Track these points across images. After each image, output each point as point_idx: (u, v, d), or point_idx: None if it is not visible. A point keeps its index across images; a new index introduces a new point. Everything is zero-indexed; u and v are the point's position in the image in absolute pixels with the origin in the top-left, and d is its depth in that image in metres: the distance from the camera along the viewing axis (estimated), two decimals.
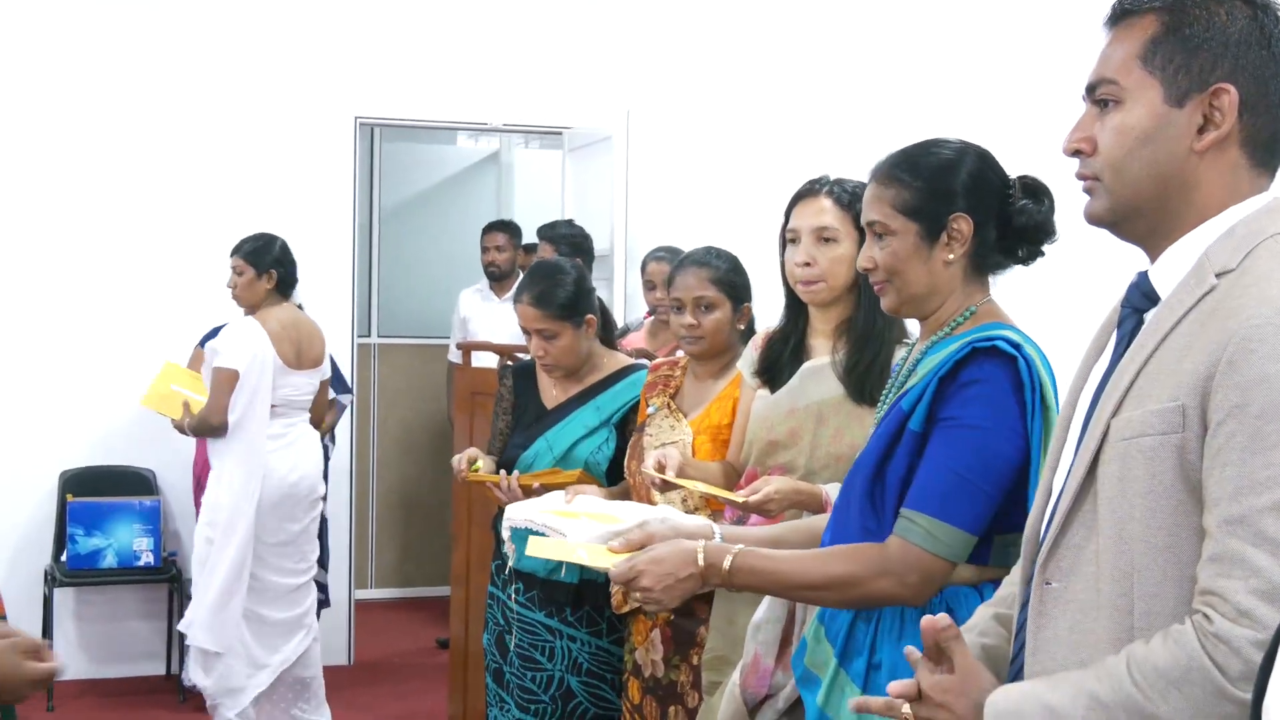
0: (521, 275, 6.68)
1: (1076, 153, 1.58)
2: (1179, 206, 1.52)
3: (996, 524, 2.03)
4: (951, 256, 2.08)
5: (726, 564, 2.09)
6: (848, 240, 2.65)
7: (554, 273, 3.44)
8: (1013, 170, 2.17)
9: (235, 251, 5.03)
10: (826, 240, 2.66)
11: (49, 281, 5.93)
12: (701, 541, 2.15)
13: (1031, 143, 3.38)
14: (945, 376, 2.01)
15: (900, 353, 2.39)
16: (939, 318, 2.12)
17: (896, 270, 2.10)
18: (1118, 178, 1.54)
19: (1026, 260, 2.15)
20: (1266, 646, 1.29)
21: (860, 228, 2.56)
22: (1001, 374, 1.99)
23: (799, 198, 2.74)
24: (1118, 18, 1.57)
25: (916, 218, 2.08)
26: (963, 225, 2.08)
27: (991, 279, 2.16)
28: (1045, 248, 2.13)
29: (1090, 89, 1.57)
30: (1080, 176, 1.59)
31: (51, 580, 5.73)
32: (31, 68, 5.98)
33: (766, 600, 2.52)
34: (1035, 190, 2.11)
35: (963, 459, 1.97)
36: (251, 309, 4.99)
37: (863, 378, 2.62)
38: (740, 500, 2.60)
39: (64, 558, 5.70)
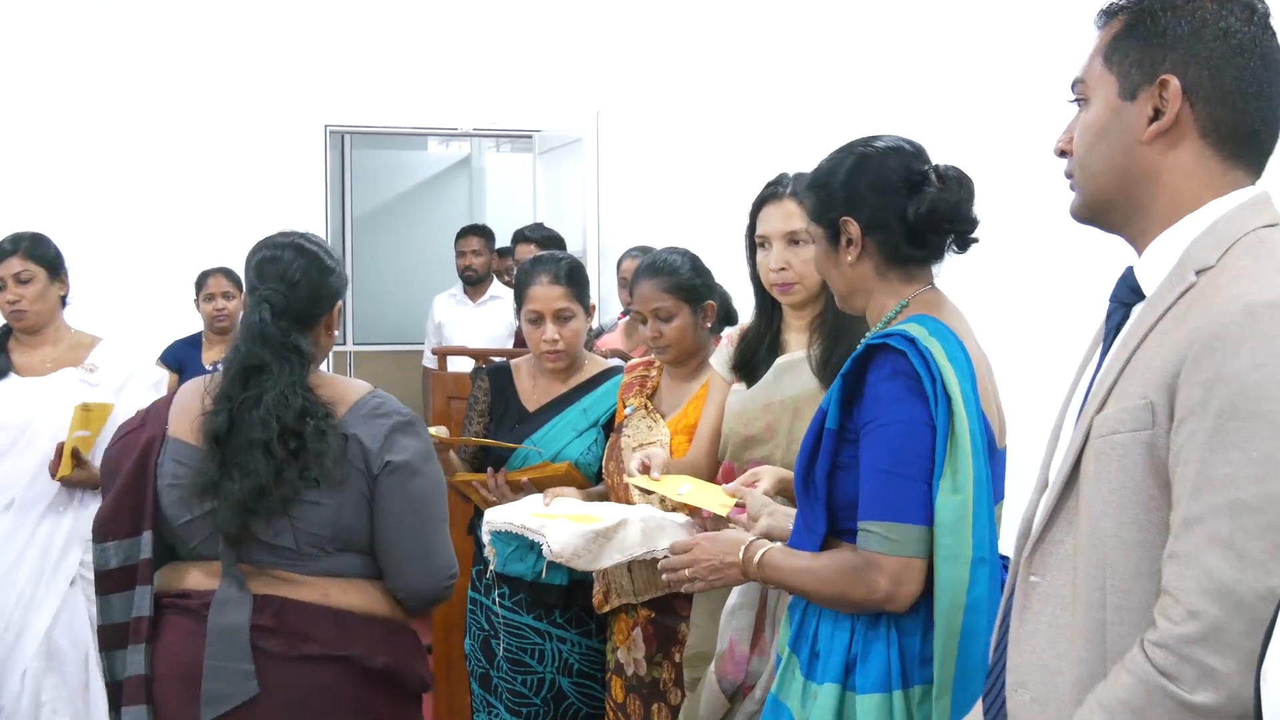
0: (495, 279, 6.75)
1: (1062, 153, 1.63)
2: (1145, 199, 1.54)
3: None
4: (850, 257, 2.15)
5: (757, 557, 2.20)
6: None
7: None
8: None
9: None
10: (797, 243, 2.69)
11: None
12: (751, 535, 2.28)
13: (998, 142, 3.42)
14: (848, 374, 2.07)
15: None
16: (872, 314, 2.19)
17: (821, 272, 2.25)
18: (1083, 173, 1.58)
19: (960, 249, 2.18)
20: (1212, 643, 1.32)
21: None
22: (897, 368, 2.03)
23: (763, 201, 2.76)
24: (1102, 21, 1.61)
25: (820, 224, 2.19)
26: (850, 227, 2.13)
27: (936, 269, 2.19)
28: (974, 235, 2.16)
29: (1072, 88, 1.62)
30: (1066, 175, 1.64)
31: None
32: (3, 79, 5.96)
33: (740, 586, 2.55)
34: (940, 176, 2.14)
35: (888, 457, 2.01)
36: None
37: (837, 370, 2.64)
38: (724, 512, 2.60)
39: None
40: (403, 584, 2.48)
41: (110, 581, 2.46)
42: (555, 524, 2.77)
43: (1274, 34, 1.53)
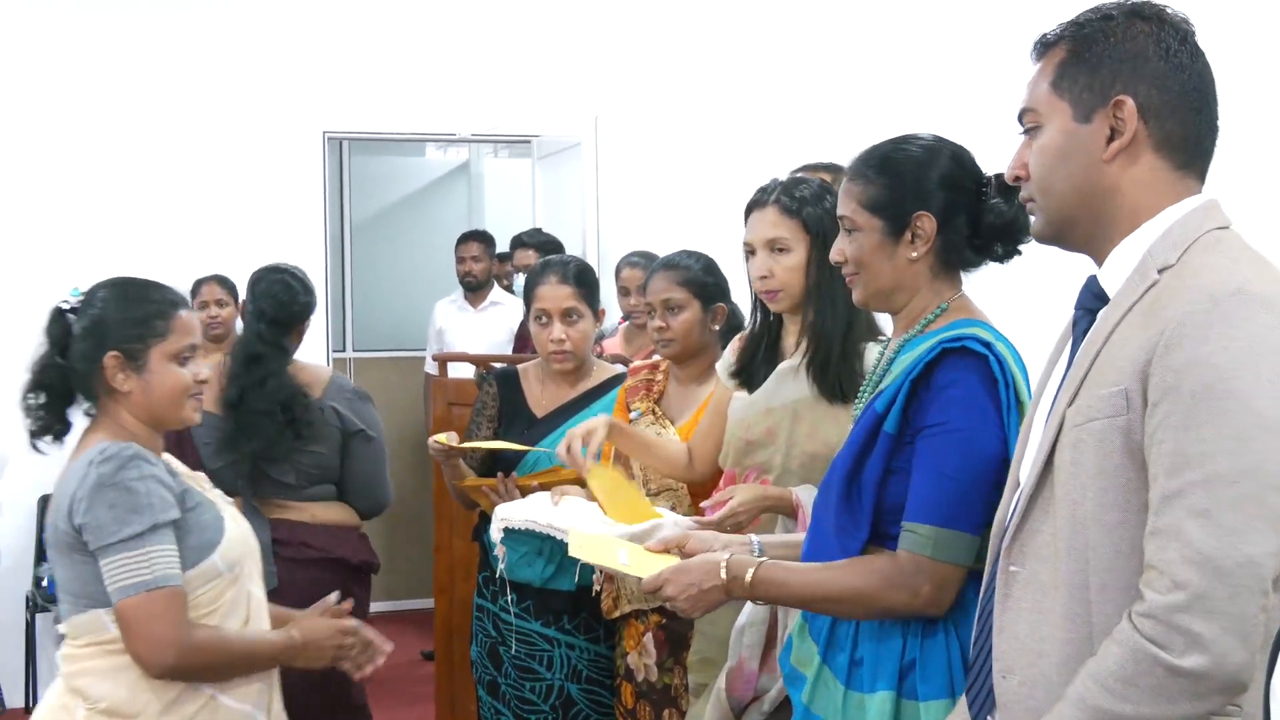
0: (496, 285, 6.75)
1: (1016, 179, 1.73)
2: (1108, 213, 1.64)
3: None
4: (915, 254, 2.11)
5: (749, 577, 2.12)
6: (799, 246, 2.67)
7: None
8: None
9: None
10: (779, 250, 2.69)
11: (13, 299, 5.89)
12: (727, 554, 2.19)
13: (997, 147, 3.41)
14: (917, 379, 2.03)
15: (875, 350, 2.40)
16: (909, 314, 2.15)
17: (863, 264, 2.14)
18: (1045, 196, 1.68)
19: (1003, 258, 2.17)
20: (1197, 610, 1.41)
21: (810, 231, 2.64)
22: (974, 374, 2.01)
23: (750, 208, 2.77)
24: (1039, 52, 1.71)
25: (881, 214, 2.11)
26: (925, 223, 2.10)
27: (965, 276, 2.18)
28: (1022, 247, 2.15)
29: (1019, 119, 1.72)
30: (1022, 200, 1.74)
31: (33, 605, 5.70)
32: (1, 85, 5.96)
33: (749, 604, 2.53)
34: (1007, 189, 2.13)
35: (951, 463, 1.99)
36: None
37: (825, 376, 2.64)
38: (707, 521, 2.59)
39: (45, 582, 5.66)
40: (360, 503, 3.82)
41: None
42: (579, 524, 2.76)
43: (1203, 54, 1.64)
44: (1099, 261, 1.68)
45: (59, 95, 6.02)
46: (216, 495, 2.54)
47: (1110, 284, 1.64)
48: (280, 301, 3.66)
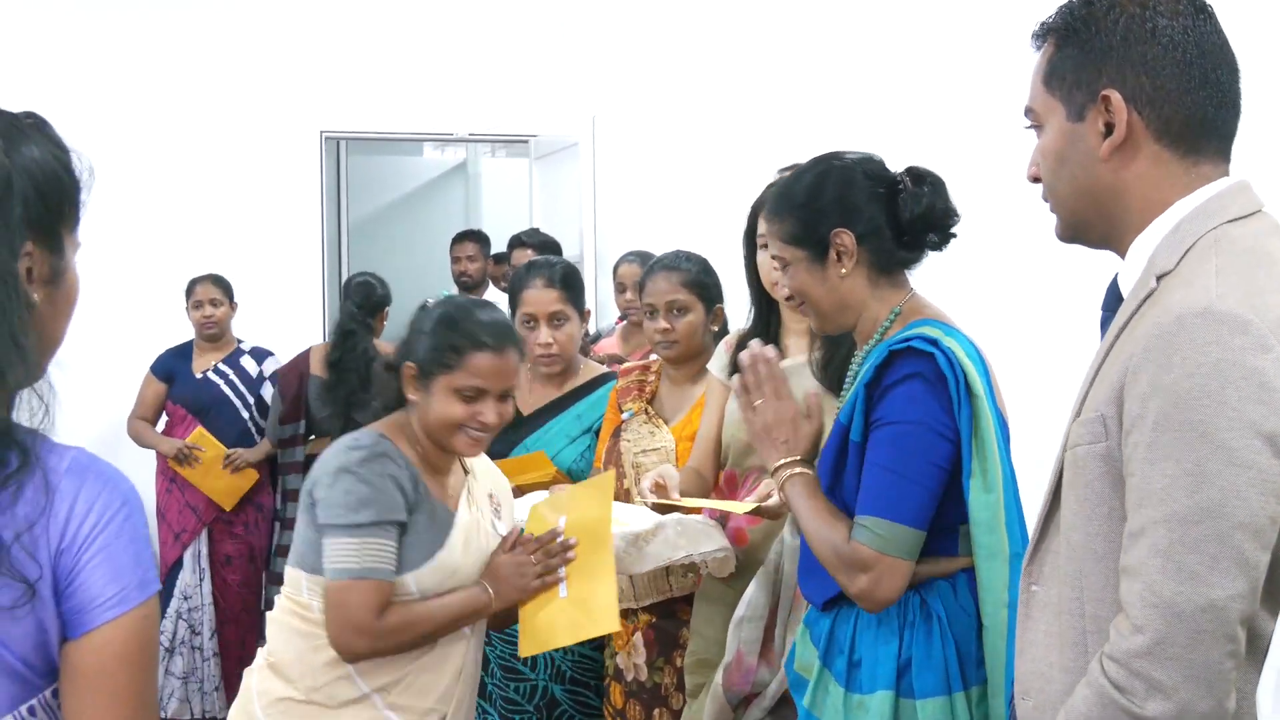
0: (491, 285, 6.75)
1: (1035, 179, 1.64)
2: (1117, 211, 1.54)
3: (958, 515, 2.06)
4: (844, 270, 2.14)
5: (787, 475, 2.16)
6: None
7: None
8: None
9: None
10: None
11: None
12: (794, 455, 2.21)
13: (985, 149, 3.42)
14: (870, 383, 2.06)
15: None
16: (864, 327, 2.18)
17: (803, 293, 2.19)
18: (1054, 198, 1.61)
19: (939, 246, 2.18)
20: (1156, 656, 1.33)
21: None
22: (920, 371, 2.02)
23: (764, 203, 2.76)
24: (1036, 42, 1.62)
25: (801, 245, 2.16)
26: (845, 239, 2.13)
27: (910, 274, 2.20)
28: (954, 230, 2.17)
29: (1026, 118, 1.64)
30: (1044, 200, 1.64)
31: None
32: (3, 84, 5.96)
33: (747, 597, 2.54)
34: (920, 178, 2.15)
35: (890, 455, 2.01)
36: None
37: (839, 374, 2.64)
38: (752, 507, 2.58)
39: None
40: None
41: (285, 444, 5.23)
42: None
43: (1208, 16, 1.52)
44: (1123, 257, 1.58)
45: (57, 94, 6.02)
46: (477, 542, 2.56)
47: (1126, 286, 1.55)
48: (365, 293, 5.03)
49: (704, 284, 3.13)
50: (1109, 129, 1.52)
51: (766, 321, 2.83)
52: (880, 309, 2.15)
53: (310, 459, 4.95)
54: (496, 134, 7.03)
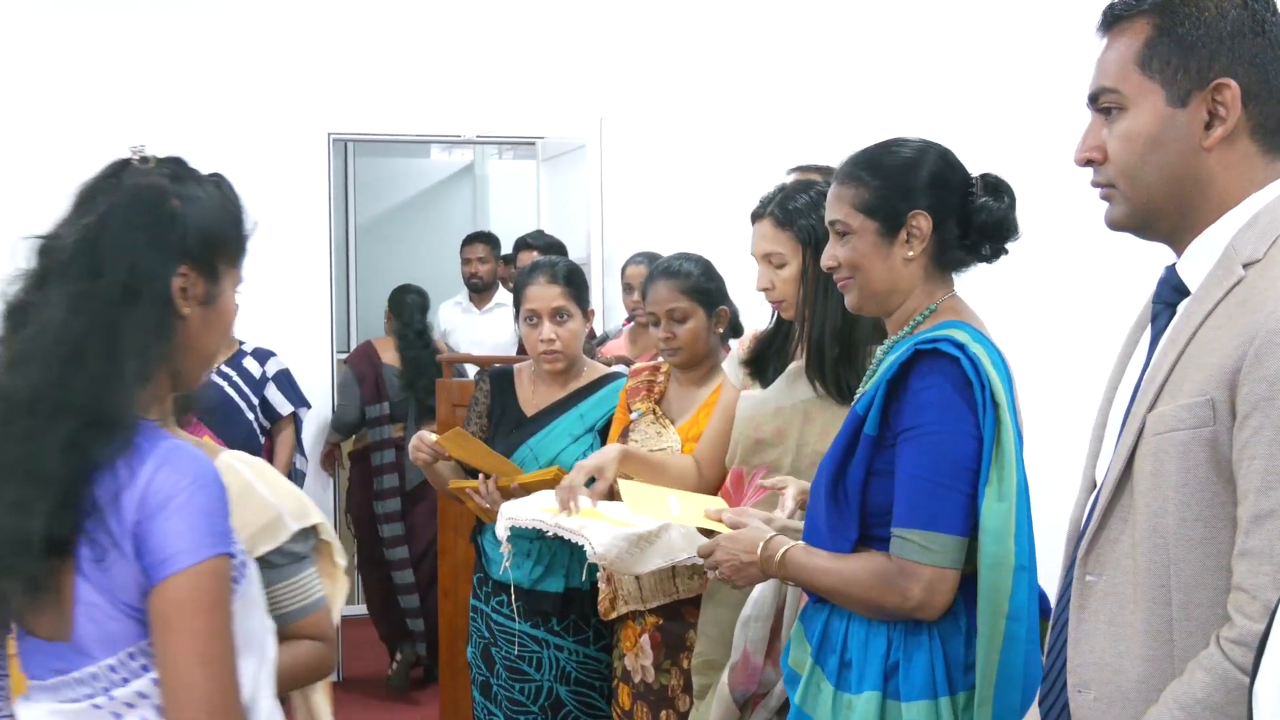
0: (501, 287, 6.75)
1: (1089, 162, 1.59)
2: (1197, 203, 1.53)
3: None
4: (911, 253, 2.11)
5: (778, 556, 2.17)
6: (793, 258, 2.70)
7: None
8: (1009, 173, 2.19)
9: None
10: (777, 265, 2.71)
11: None
12: (770, 532, 2.24)
13: (1003, 148, 3.41)
14: (893, 380, 2.04)
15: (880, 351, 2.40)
16: (901, 315, 2.15)
17: (858, 267, 2.13)
18: (1132, 184, 1.55)
19: (990, 258, 2.17)
20: None
21: (803, 241, 2.64)
22: (946, 376, 2.01)
23: (752, 220, 2.79)
24: (1109, 24, 1.58)
25: (875, 216, 2.11)
26: (921, 222, 2.10)
27: (956, 277, 2.18)
28: (1009, 246, 2.16)
29: (1093, 98, 1.59)
30: (1096, 185, 1.60)
31: None
32: (6, 84, 5.96)
33: (754, 597, 2.54)
34: (996, 188, 2.14)
35: (930, 465, 2.00)
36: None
37: (824, 378, 2.64)
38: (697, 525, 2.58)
39: None
40: None
41: (373, 423, 5.94)
42: (596, 525, 2.75)
43: None
44: (1177, 251, 1.57)
45: (63, 96, 6.03)
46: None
47: (1190, 277, 1.54)
48: (424, 301, 6.11)
49: (704, 288, 3.12)
50: (1211, 118, 1.50)
51: (781, 323, 2.84)
52: (922, 302, 2.13)
53: (400, 441, 5.80)
54: (504, 136, 7.03)
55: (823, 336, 2.63)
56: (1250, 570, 1.37)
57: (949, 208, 2.11)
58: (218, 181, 1.78)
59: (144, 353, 1.58)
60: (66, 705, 1.57)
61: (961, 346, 2.02)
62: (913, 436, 2.01)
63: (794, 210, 2.69)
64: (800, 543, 2.18)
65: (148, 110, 6.11)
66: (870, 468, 2.06)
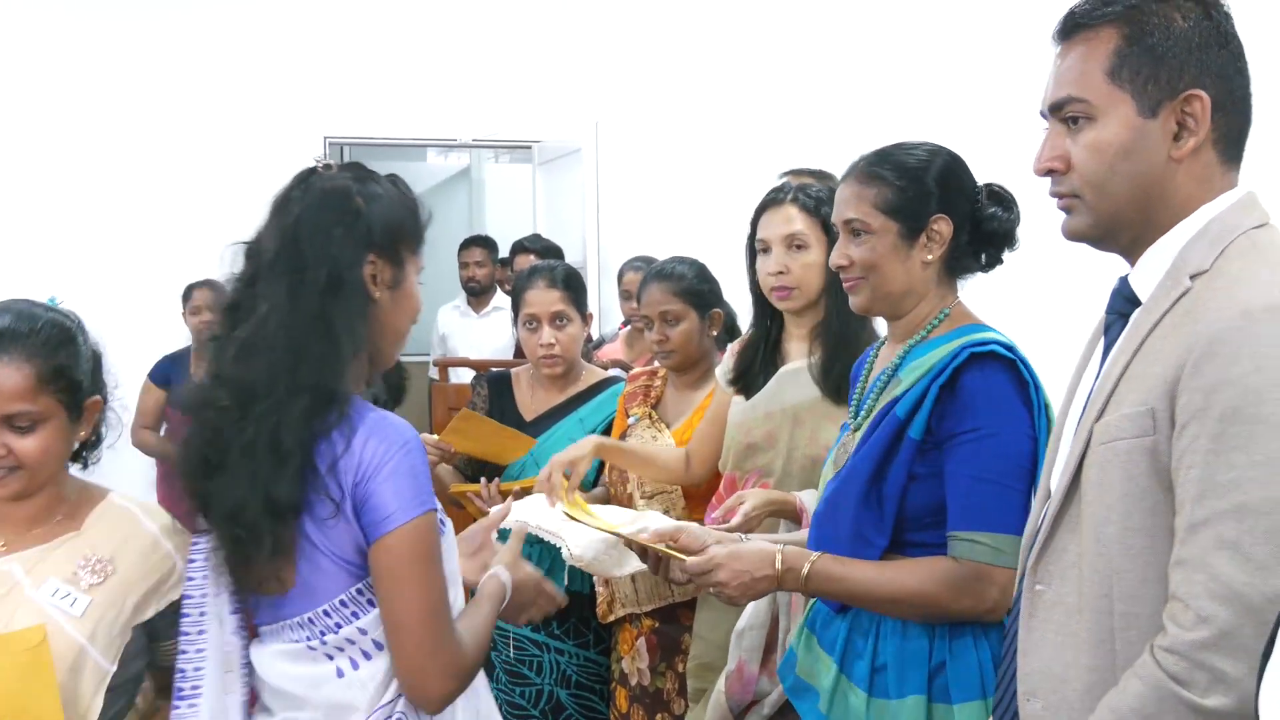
0: (498, 290, 6.76)
1: (1049, 172, 1.57)
2: (1157, 213, 1.52)
3: None
4: (930, 257, 2.10)
5: (805, 569, 2.07)
6: (817, 246, 2.66)
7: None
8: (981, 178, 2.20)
9: None
10: (798, 247, 2.67)
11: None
12: (781, 545, 2.14)
13: (995, 157, 3.42)
14: (945, 383, 2.01)
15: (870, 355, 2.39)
16: (912, 319, 2.13)
17: (874, 268, 2.10)
18: (1099, 194, 1.53)
19: (986, 267, 2.17)
20: (1223, 648, 1.32)
21: (829, 231, 2.56)
22: (1003, 377, 2.00)
23: (765, 207, 2.75)
24: (1070, 31, 1.56)
25: (897, 217, 2.09)
26: (943, 226, 2.09)
27: (960, 283, 2.18)
28: (1005, 255, 2.16)
29: (1056, 108, 1.56)
30: (1057, 194, 1.58)
31: None
32: (6, 85, 5.97)
33: (750, 607, 2.52)
34: (1002, 199, 2.14)
35: (994, 467, 1.98)
36: None
37: (840, 380, 2.63)
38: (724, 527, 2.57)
39: None
40: None
41: None
42: (573, 529, 2.75)
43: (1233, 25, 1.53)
44: (1132, 261, 1.56)
45: (60, 99, 6.03)
46: None
47: (1142, 287, 1.53)
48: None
49: (696, 291, 3.12)
50: (1180, 129, 1.49)
51: (767, 328, 2.82)
52: (934, 306, 2.12)
53: None
54: (500, 140, 7.04)
55: (840, 332, 2.62)
56: (1184, 579, 1.37)
57: (962, 214, 2.11)
58: (393, 180, 1.94)
59: (353, 334, 1.78)
60: (287, 646, 1.83)
61: (1011, 349, 2.02)
62: (973, 438, 1.99)
63: (818, 198, 2.67)
64: (824, 554, 2.11)
65: (147, 113, 6.12)
66: (911, 471, 2.03)
